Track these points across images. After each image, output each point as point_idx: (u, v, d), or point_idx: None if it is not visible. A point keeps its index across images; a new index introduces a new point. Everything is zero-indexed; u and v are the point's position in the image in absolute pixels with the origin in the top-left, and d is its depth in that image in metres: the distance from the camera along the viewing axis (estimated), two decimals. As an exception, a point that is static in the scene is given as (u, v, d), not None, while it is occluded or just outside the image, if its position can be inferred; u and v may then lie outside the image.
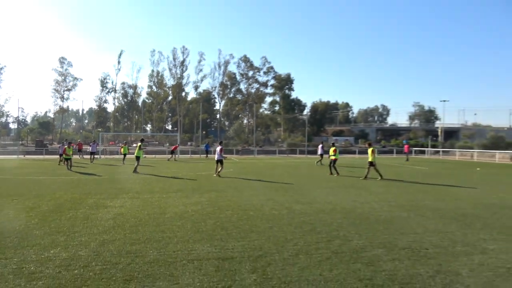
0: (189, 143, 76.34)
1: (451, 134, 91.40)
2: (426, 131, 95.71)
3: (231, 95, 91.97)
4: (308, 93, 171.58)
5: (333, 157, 18.23)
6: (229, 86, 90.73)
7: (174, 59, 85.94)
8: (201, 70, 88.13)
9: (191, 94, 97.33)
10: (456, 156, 42.68)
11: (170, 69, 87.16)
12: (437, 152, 49.17)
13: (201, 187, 13.12)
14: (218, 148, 17.97)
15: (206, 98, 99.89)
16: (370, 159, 16.34)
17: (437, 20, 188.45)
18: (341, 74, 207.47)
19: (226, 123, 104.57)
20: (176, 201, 10.00)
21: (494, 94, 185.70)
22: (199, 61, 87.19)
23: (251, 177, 17.14)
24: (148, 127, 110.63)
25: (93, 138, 42.93)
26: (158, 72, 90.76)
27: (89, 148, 30.53)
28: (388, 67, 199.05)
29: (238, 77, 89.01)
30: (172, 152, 34.17)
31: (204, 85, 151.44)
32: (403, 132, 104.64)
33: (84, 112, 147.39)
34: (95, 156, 30.20)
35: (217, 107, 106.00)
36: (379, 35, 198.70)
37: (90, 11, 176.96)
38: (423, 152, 49.83)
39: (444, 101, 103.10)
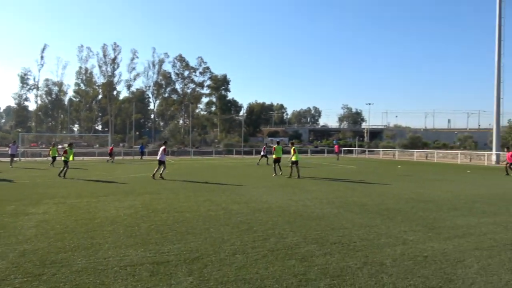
0: (121, 144, 72.93)
1: (376, 134, 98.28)
2: (353, 131, 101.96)
3: (166, 95, 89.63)
4: (244, 94, 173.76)
5: (294, 158, 17.04)
6: (164, 86, 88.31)
7: (105, 56, 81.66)
8: (134, 68, 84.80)
9: (123, 93, 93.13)
10: (380, 155, 46.00)
11: (100, 66, 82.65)
12: (364, 151, 52.59)
13: (135, 190, 12.62)
14: (162, 148, 17.23)
15: (139, 98, 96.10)
16: (293, 159, 17.04)
17: (364, 26, 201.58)
18: (276, 76, 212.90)
19: (161, 123, 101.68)
20: (107, 205, 9.50)
21: (413, 98, 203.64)
22: (132, 59, 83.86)
23: (187, 178, 16.87)
24: (76, 127, 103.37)
25: (12, 138, 38.79)
26: (86, 69, 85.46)
27: (8, 150, 27.69)
28: (320, 71, 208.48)
29: (173, 77, 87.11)
30: (110, 154, 32.61)
31: (137, 84, 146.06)
32: (333, 132, 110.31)
33: (1, 110, 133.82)
34: (15, 159, 27.44)
35: (151, 107, 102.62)
36: (311, 39, 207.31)
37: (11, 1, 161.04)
38: (351, 152, 52.94)
39: (369, 104, 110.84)
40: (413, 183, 15.01)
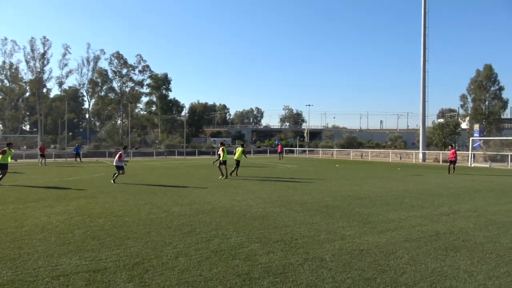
0: (52, 146, 67.97)
1: (315, 135, 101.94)
2: (294, 132, 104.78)
3: (103, 93, 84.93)
4: (186, 94, 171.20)
5: (223, 158, 17.30)
6: (100, 84, 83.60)
7: (33, 50, 75.20)
8: (66, 64, 79.12)
9: (55, 91, 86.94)
10: (320, 155, 47.83)
11: (27, 62, 75.86)
12: (304, 151, 54.30)
13: (68, 195, 11.83)
14: (120, 153, 16.02)
15: (72, 96, 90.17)
16: (222, 159, 17.31)
17: (303, 30, 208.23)
18: (219, 76, 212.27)
19: (97, 123, 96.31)
20: (37, 212, 8.80)
21: (349, 100, 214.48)
22: (64, 55, 78.21)
23: (126, 180, 16.17)
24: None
25: None
26: (11, 64, 78.19)
27: None
28: (262, 72, 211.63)
29: (110, 75, 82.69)
30: (43, 155, 30.17)
31: (70, 82, 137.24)
32: (275, 133, 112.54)
33: None
34: None
35: (86, 106, 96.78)
36: (252, 41, 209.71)
37: None
38: (292, 152, 54.39)
39: (309, 105, 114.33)
40: (350, 181, 15.79)
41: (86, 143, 69.62)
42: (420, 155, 34.83)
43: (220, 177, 17.04)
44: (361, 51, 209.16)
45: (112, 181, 15.44)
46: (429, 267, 4.83)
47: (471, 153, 29.99)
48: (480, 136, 43.15)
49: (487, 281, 4.35)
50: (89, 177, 18.39)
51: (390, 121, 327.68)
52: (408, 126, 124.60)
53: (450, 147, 23.39)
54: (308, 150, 54.33)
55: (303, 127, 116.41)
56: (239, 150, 19.03)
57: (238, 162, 18.27)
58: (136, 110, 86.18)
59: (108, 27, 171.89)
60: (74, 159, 36.52)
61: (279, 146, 41.43)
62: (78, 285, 4.25)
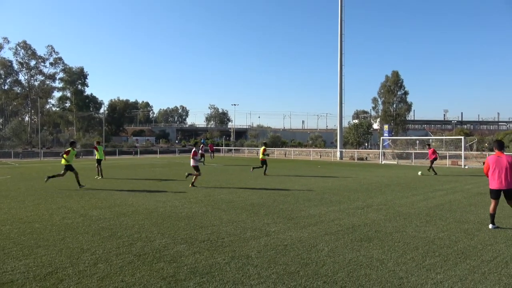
0: None
1: (241, 134, 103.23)
2: (220, 131, 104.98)
3: (7, 86, 76.10)
4: (105, 90, 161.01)
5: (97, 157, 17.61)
6: (3, 76, 74.82)
7: None
8: (-40, 53, 69.58)
9: None
10: (245, 154, 48.54)
11: None
12: (230, 150, 54.63)
13: (-37, 201, 10.40)
14: (194, 150, 14.60)
15: (-32, 89, 79.45)
16: (97, 157, 17.41)
17: (226, 29, 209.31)
18: (141, 73, 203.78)
19: (0, 120, 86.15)
20: None
21: (273, 100, 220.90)
22: (-43, 42, 68.66)
23: (35, 183, 14.73)
24: None
25: None
26: None
27: None
28: (184, 70, 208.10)
29: (15, 66, 74.44)
30: None
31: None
32: (201, 132, 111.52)
33: None
34: None
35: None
36: (176, 37, 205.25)
37: None
38: (218, 151, 54.36)
39: (235, 105, 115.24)
40: (274, 179, 16.26)
41: (-14, 142, 61.87)
42: (338, 153, 37.22)
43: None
44: (284, 51, 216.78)
45: (190, 185, 13.47)
46: (347, 258, 5.18)
47: (382, 151, 32.86)
48: (389, 136, 47.51)
49: (396, 267, 4.80)
50: (-10, 180, 16.38)
51: (311, 121, 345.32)
52: (327, 126, 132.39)
53: (427, 146, 21.52)
54: (234, 149, 54.80)
55: (229, 126, 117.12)
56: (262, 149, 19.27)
57: (264, 162, 18.77)
58: (47, 106, 78.81)
59: (14, 13, 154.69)
60: None
61: (210, 145, 41.00)
62: (-23, 303, 3.76)
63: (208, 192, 11.93)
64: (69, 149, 13.68)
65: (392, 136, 52.94)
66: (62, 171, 13.54)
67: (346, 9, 37.46)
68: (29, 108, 77.14)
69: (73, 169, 13.48)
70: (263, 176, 17.48)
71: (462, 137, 28.76)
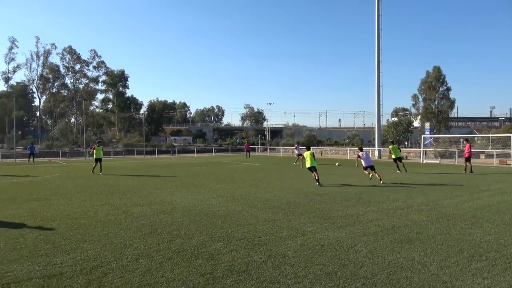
0: (-1, 145, 63.77)
1: (276, 133, 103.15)
2: (256, 130, 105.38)
3: (54, 90, 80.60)
4: (144, 91, 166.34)
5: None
6: (51, 80, 79.23)
7: (-25, 43, 70.04)
8: (13, 59, 74.38)
9: (0, 87, 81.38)
10: (281, 153, 48.43)
11: (-32, 55, 70.54)
12: (266, 149, 54.73)
13: (18, 197, 11.15)
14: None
15: (21, 93, 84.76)
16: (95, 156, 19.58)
17: (266, 33, 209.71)
18: (178, 74, 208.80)
19: (49, 121, 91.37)
20: (-18, 216, 8.22)
21: (308, 98, 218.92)
22: (10, 48, 73.45)
23: (81, 181, 15.51)
24: None
25: None
26: (-51, 58, 72.29)
27: None
28: (222, 70, 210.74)
29: (62, 70, 78.58)
30: None
31: (18, 77, 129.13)
32: (236, 131, 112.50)
33: None
34: None
35: (36, 103, 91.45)
36: (212, 38, 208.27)
37: None
38: (254, 150, 54.63)
39: (270, 104, 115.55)
40: (310, 178, 16.09)
41: (38, 142, 65.86)
42: (376, 152, 36.26)
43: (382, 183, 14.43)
44: (320, 50, 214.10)
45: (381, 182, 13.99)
46: (386, 260, 5.04)
47: (423, 150, 31.64)
48: (430, 134, 45.68)
49: (439, 271, 4.61)
50: (41, 178, 17.43)
51: (348, 119, 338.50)
52: (364, 124, 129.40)
53: (465, 142, 20.46)
54: (270, 148, 54.84)
55: (264, 125, 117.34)
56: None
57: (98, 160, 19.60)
58: (91, 108, 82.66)
59: (60, 20, 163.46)
60: (28, 159, 34.30)
61: (246, 144, 41.25)
62: (30, 293, 4.02)
63: (244, 191, 12.02)
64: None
65: (434, 134, 50.86)
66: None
67: (383, 3, 36.35)
68: (75, 110, 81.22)
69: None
70: (299, 176, 17.36)
71: (511, 135, 27.08)
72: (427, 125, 51.41)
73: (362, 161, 15.06)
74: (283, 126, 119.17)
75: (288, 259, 5.10)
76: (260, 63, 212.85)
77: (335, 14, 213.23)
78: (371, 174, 15.00)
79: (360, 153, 15.40)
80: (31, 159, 33.49)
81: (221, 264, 4.88)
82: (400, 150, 19.89)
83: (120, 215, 8.21)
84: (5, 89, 79.91)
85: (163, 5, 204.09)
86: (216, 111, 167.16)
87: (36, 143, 57.77)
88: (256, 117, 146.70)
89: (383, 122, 59.13)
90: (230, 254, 5.33)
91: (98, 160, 19.65)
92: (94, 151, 19.83)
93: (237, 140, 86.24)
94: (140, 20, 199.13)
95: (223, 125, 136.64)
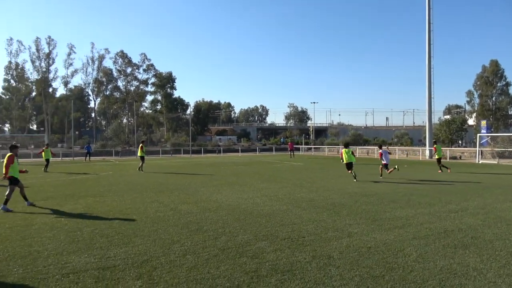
0: (59, 145, 68.50)
1: (321, 132, 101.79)
2: (300, 130, 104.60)
3: (108, 92, 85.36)
4: (190, 92, 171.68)
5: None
6: (105, 83, 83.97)
7: (38, 50, 75.66)
8: (71, 64, 79.58)
9: (60, 90, 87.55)
10: (326, 152, 47.70)
11: (33, 62, 76.35)
12: (310, 149, 54.17)
13: (76, 193, 11.93)
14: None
15: (78, 95, 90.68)
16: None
17: (305, 31, 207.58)
18: (223, 75, 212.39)
19: (103, 122, 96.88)
20: (46, 210, 8.89)
21: (354, 97, 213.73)
22: (69, 54, 78.63)
23: (132, 179, 16.27)
24: (7, 127, 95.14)
25: None
26: (17, 64, 78.77)
27: None
28: (267, 69, 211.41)
29: (115, 74, 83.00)
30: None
31: (76, 81, 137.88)
32: (280, 131, 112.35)
33: None
34: None
35: (91, 105, 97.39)
36: (255, 38, 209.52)
37: None
38: (298, 149, 54.25)
39: (314, 103, 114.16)
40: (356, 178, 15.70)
41: (93, 142, 70.02)
42: (427, 152, 34.61)
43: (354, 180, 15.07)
44: (365, 47, 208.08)
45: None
46: (438, 265, 4.80)
47: (479, 150, 29.72)
48: (487, 133, 42.79)
49: (497, 279, 4.31)
50: (96, 175, 18.51)
51: (396, 118, 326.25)
52: (414, 123, 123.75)
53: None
54: (314, 148, 54.20)
55: (308, 124, 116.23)
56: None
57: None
58: (142, 109, 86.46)
59: (112, 26, 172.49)
60: (84, 157, 36.51)
61: (290, 144, 41.12)
62: (87, 283, 4.28)
63: (289, 191, 11.99)
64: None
65: (492, 132, 47.61)
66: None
67: (434, -5, 34.59)
68: (127, 111, 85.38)
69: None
70: (344, 176, 17.00)
71: None
72: (484, 123, 48.14)
73: (383, 158, 16.01)
74: (327, 125, 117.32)
75: (333, 260, 5.02)
76: (304, 62, 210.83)
77: (382, 11, 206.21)
78: (392, 169, 16.05)
79: (381, 150, 16.39)
80: (87, 158, 35.58)
81: (266, 263, 4.91)
82: (441, 151, 20.25)
83: (168, 212, 8.51)
84: (64, 92, 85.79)
85: (209, 6, 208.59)
86: (260, 110, 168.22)
87: (91, 143, 61.45)
88: (300, 116, 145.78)
89: (435, 120, 56.18)
90: (274, 253, 5.35)
91: (142, 158, 21.65)
92: (140, 149, 21.97)
93: (281, 139, 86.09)
94: (187, 22, 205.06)
95: (267, 125, 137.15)
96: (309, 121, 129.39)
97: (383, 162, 15.99)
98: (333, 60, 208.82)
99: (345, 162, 15.40)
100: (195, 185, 13.72)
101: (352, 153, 15.43)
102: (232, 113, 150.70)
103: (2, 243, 6.01)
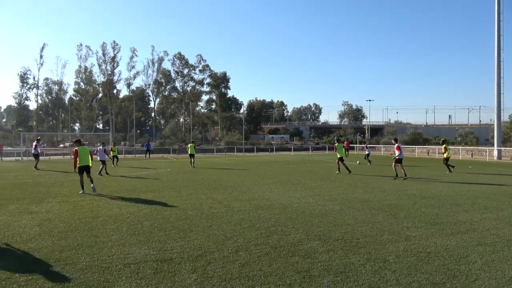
0: (122, 143, 73.01)
1: (376, 131, 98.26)
2: (354, 128, 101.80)
3: (166, 93, 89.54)
4: (244, 91, 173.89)
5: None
6: (163, 84, 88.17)
7: (104, 54, 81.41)
8: (133, 66, 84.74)
9: (124, 92, 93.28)
10: (382, 152, 45.94)
11: (99, 65, 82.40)
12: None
13: (137, 188, 12.64)
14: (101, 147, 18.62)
15: (139, 96, 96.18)
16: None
17: (362, 26, 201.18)
18: (276, 73, 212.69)
19: (162, 121, 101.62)
20: (110, 204, 9.53)
21: (413, 94, 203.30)
22: (131, 57, 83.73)
23: (188, 176, 16.88)
24: (77, 126, 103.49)
25: (34, 138, 34.29)
26: (86, 68, 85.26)
27: (32, 150, 25.64)
28: (319, 67, 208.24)
29: (173, 75, 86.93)
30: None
31: (138, 83, 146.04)
32: (334, 129, 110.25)
33: (1, 110, 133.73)
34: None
35: (151, 105, 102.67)
36: (309, 37, 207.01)
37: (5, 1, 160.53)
38: (352, 149, 52.83)
39: (370, 100, 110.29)
40: (415, 179, 14.98)
41: (152, 140, 73.75)
42: (495, 152, 32.01)
43: (337, 172, 17.81)
44: (426, 41, 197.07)
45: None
46: (506, 275, 4.43)
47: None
48: None
49: None
50: (155, 172, 19.46)
51: (460, 115, 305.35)
52: (480, 121, 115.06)
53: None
54: (369, 147, 52.45)
55: (363, 123, 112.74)
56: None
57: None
58: (197, 108, 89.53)
59: (171, 28, 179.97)
60: (144, 155, 38.59)
61: (346, 142, 40.22)
62: (147, 273, 4.53)
63: (342, 191, 11.73)
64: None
65: None
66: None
67: (506, -17, 31.88)
68: (183, 111, 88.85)
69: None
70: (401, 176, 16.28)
71: None
72: None
73: (397, 153, 15.37)
74: (384, 123, 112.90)
75: (389, 264, 4.83)
76: (359, 58, 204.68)
77: (444, 3, 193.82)
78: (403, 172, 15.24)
79: (399, 144, 15.83)
80: (147, 155, 37.53)
81: (318, 263, 4.85)
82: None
83: (222, 209, 8.73)
84: (127, 93, 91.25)
85: (262, 7, 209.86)
86: (313, 109, 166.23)
87: (151, 141, 64.74)
88: (355, 114, 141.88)
89: (505, 117, 51.77)
90: (327, 253, 5.27)
91: (191, 155, 22.93)
92: (189, 148, 23.40)
93: (335, 138, 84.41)
94: (240, 22, 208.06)
95: (320, 123, 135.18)
96: (364, 120, 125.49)
97: (396, 157, 15.37)
98: (390, 56, 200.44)
99: (338, 156, 17.58)
100: (248, 183, 13.91)
101: (343, 147, 17.90)
102: (284, 111, 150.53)
103: (72, 233, 6.54)
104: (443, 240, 5.93)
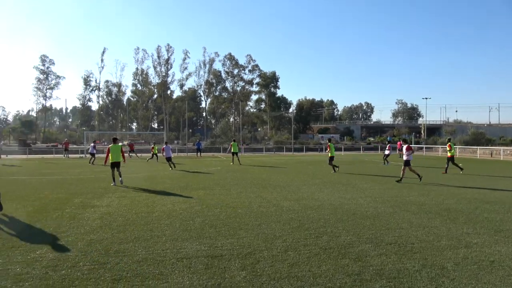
0: (175, 142, 75.87)
1: (433, 130, 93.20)
2: (409, 128, 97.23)
3: (217, 93, 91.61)
4: (293, 90, 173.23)
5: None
6: (214, 84, 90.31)
7: (159, 57, 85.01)
8: (186, 68, 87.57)
9: (177, 92, 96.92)
10: (439, 152, 43.49)
11: (154, 67, 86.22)
12: (421, 148, 50.01)
13: (189, 185, 13.07)
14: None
15: (191, 96, 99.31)
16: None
17: (417, 21, 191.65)
18: (325, 72, 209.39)
19: (213, 121, 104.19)
20: (164, 200, 9.94)
21: (474, 91, 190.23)
22: (184, 59, 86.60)
23: (238, 174, 17.14)
24: (134, 125, 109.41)
25: (93, 138, 37.42)
26: (142, 70, 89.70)
27: (89, 149, 29.22)
28: (371, 65, 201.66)
29: (223, 75, 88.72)
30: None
31: (190, 83, 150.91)
32: (387, 129, 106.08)
33: (68, 111, 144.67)
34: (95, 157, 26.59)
35: (203, 105, 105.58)
36: (361, 34, 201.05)
37: (71, 8, 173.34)
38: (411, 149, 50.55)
39: (426, 98, 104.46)
40: (477, 182, 14.02)
41: (204, 139, 75.88)
42: None
43: (332, 172, 17.82)
44: (489, 36, 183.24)
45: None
46: None
47: None
48: None
49: None
50: (206, 170, 19.99)
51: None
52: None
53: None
54: (425, 147, 49.87)
55: (419, 122, 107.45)
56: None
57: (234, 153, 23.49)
58: (247, 108, 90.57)
59: (221, 30, 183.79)
60: (196, 154, 39.79)
61: (398, 143, 38.69)
62: (198, 268, 4.67)
63: (396, 193, 11.27)
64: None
65: None
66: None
67: None
68: (233, 110, 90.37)
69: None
70: (460, 179, 15.30)
71: None
72: None
73: (405, 154, 14.32)
74: (442, 122, 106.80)
75: (447, 271, 4.57)
76: (414, 54, 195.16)
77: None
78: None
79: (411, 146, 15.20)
80: (198, 154, 38.62)
81: (370, 267, 4.71)
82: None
83: (271, 208, 8.76)
84: (180, 94, 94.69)
85: (310, 6, 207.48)
86: (364, 108, 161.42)
87: (202, 140, 66.65)
88: (410, 113, 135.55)
89: None
90: (379, 257, 5.10)
91: (234, 154, 24.40)
92: (232, 146, 24.99)
93: (388, 138, 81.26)
94: (290, 22, 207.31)
95: (371, 123, 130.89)
96: (420, 119, 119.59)
97: (404, 158, 14.29)
98: (448, 49, 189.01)
99: (330, 155, 17.95)
100: (297, 183, 13.83)
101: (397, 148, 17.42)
102: (335, 111, 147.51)
103: (130, 226, 6.92)
104: (509, 249, 5.49)
